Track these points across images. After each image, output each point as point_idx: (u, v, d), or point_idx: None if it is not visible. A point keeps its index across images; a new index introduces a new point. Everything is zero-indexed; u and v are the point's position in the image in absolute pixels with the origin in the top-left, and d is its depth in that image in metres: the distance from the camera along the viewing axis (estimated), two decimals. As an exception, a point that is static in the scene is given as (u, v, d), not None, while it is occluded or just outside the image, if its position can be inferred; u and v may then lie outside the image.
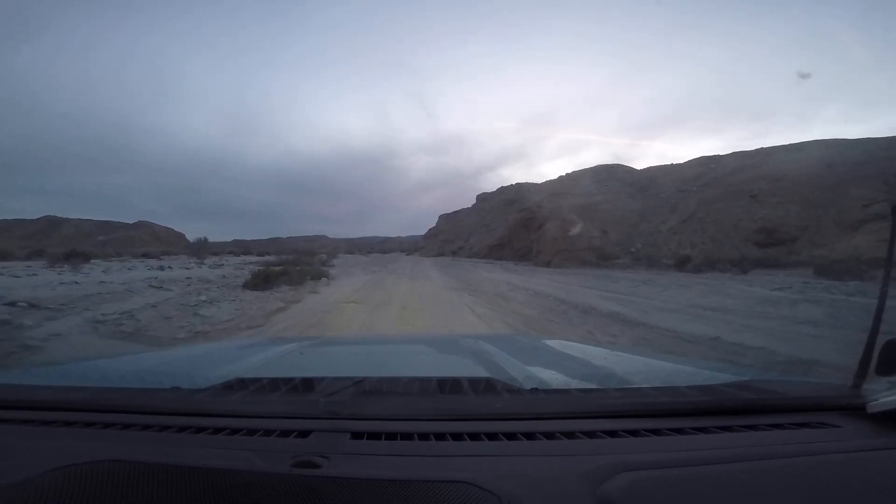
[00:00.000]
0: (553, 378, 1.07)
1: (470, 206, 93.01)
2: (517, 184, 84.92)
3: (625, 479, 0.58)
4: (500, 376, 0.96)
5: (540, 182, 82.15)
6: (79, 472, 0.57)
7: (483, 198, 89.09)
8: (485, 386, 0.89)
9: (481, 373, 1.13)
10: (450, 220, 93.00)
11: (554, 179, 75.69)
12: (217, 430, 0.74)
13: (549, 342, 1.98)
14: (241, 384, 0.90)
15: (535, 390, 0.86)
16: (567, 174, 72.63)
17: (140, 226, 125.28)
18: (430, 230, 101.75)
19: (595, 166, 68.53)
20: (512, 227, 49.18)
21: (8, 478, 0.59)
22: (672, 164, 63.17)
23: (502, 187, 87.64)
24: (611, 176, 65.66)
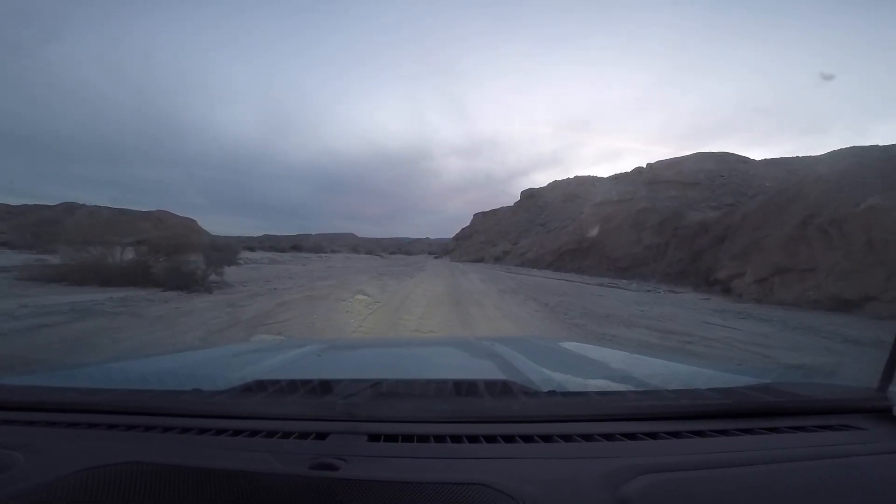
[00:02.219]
0: (570, 380, 1.03)
1: (512, 203, 74.38)
2: (576, 177, 65.97)
3: (643, 482, 0.56)
4: (516, 379, 0.94)
5: (605, 176, 62.91)
6: (103, 474, 0.57)
7: (529, 194, 70.38)
8: (501, 388, 0.87)
9: (498, 375, 1.12)
10: (487, 220, 74.64)
11: (630, 171, 56.18)
12: (237, 432, 0.73)
13: (566, 345, 1.98)
14: (259, 386, 0.88)
15: (552, 393, 0.84)
16: (650, 164, 52.76)
17: (148, 215, 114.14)
18: (462, 230, 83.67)
19: (693, 154, 48.38)
20: (603, 227, 30.19)
21: (33, 479, 0.58)
22: (798, 156, 43.62)
23: (556, 181, 68.82)
24: (722, 165, 45.50)
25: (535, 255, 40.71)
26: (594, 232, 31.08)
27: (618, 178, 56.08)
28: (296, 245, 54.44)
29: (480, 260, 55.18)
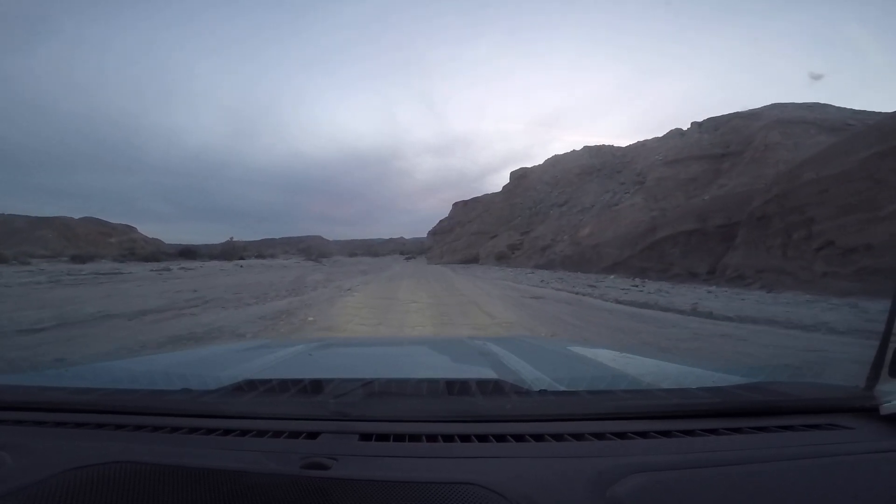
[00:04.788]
0: (562, 379, 0.98)
1: (499, 189, 56.98)
2: (585, 147, 49.24)
3: (634, 481, 0.55)
4: (508, 378, 0.92)
5: (625, 144, 46.45)
6: (91, 474, 0.56)
7: (522, 174, 53.26)
8: (493, 387, 0.85)
9: (489, 374, 1.10)
10: (471, 209, 56.81)
11: (665, 135, 39.94)
12: (227, 432, 0.71)
13: (558, 344, 2.02)
14: (250, 385, 0.85)
15: (543, 392, 0.82)
16: (696, 123, 36.43)
17: (51, 221, 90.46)
18: (440, 222, 65.66)
19: (769, 105, 31.82)
20: (813, 170, 12.49)
21: (21, 479, 0.57)
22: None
23: (556, 156, 52.32)
24: (831, 114, 29.14)
25: (572, 249, 23.29)
26: (771, 188, 13.59)
27: (661, 140, 39.67)
28: (186, 251, 35.34)
29: (473, 260, 37.31)
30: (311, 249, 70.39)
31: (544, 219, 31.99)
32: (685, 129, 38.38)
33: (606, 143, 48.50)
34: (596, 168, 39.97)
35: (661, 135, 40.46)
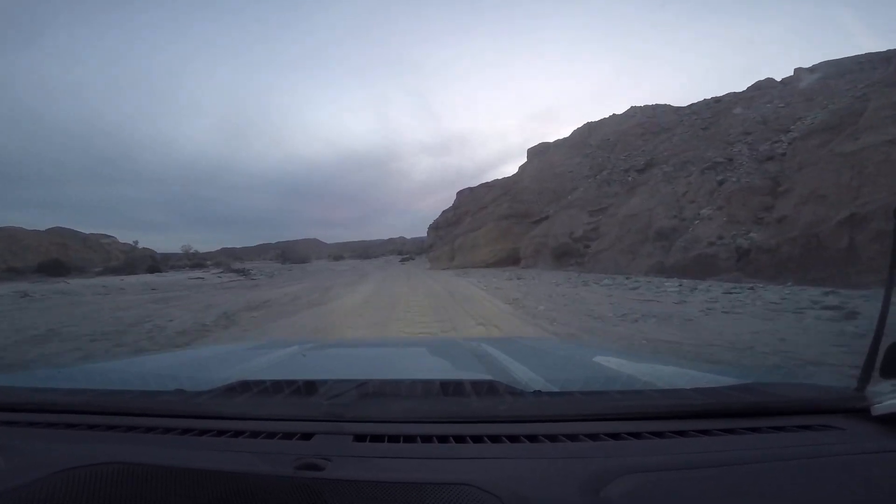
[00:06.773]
0: (556, 380, 0.98)
1: (510, 174, 45.12)
2: (633, 108, 37.71)
3: (628, 482, 0.55)
4: (502, 379, 0.92)
5: (679, 105, 34.93)
6: (83, 475, 0.55)
7: (538, 150, 41.75)
8: (487, 388, 0.85)
9: (484, 375, 1.11)
10: (479, 195, 44.49)
11: (747, 91, 28.18)
12: (220, 433, 0.71)
13: (552, 344, 1.97)
14: (244, 386, 0.85)
15: (537, 392, 0.83)
16: (800, 71, 24.47)
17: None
18: (444, 213, 53.44)
19: None
20: None
21: (13, 480, 0.56)
22: None
23: (588, 123, 40.93)
24: None
25: (771, 234, 11.48)
26: None
27: (752, 91, 28.19)
28: (54, 263, 23.30)
29: (511, 261, 24.81)
30: (287, 254, 57.94)
31: (628, 188, 19.59)
32: (779, 78, 27.06)
33: (661, 103, 37.02)
34: (663, 127, 28.32)
35: (741, 89, 29.03)
